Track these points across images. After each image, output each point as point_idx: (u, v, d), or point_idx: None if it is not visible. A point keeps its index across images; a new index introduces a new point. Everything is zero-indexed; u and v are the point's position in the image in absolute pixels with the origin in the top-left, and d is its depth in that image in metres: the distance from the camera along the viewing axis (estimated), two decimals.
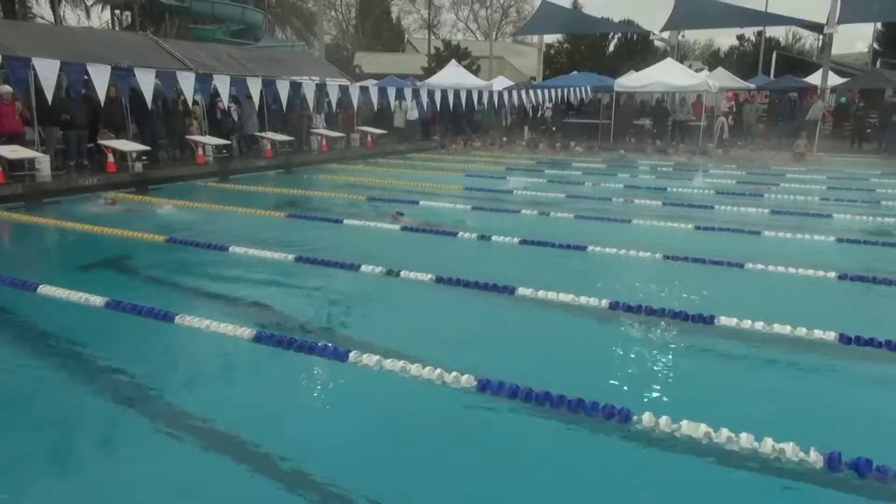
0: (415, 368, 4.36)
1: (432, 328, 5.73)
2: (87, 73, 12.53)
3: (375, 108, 20.65)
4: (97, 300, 5.75)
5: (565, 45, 42.51)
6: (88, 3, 35.27)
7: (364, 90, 19.10)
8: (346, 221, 9.65)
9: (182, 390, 4.35)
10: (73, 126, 13.27)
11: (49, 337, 5.33)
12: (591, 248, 7.97)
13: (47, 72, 11.76)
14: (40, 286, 6.15)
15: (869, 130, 22.23)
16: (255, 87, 15.93)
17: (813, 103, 22.01)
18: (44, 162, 12.06)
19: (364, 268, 6.99)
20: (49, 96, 11.92)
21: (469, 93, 22.05)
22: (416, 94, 20.96)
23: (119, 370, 4.62)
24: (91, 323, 5.61)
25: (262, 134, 17.39)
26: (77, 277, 6.96)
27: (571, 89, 24.42)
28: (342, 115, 21.29)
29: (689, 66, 30.19)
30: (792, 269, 6.98)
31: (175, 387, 4.39)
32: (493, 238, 8.49)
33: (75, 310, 5.75)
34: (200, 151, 15.17)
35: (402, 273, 6.75)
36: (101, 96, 12.76)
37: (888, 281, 6.72)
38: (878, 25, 36.40)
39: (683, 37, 39.49)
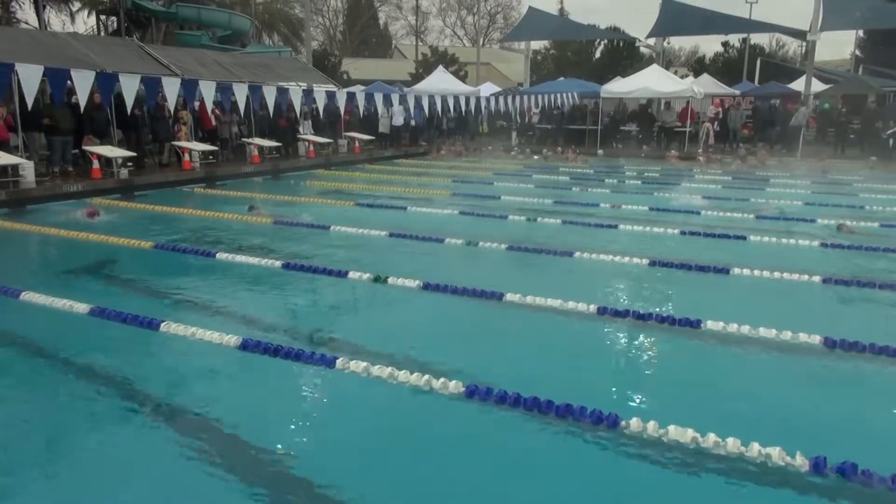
0: (402, 375, 4.35)
1: (420, 334, 5.71)
2: (71, 79, 12.45)
3: (362, 114, 20.65)
4: (81, 307, 5.70)
5: (552, 52, 42.77)
6: (73, 9, 35.05)
7: (351, 96, 19.10)
8: (332, 228, 9.62)
9: (167, 398, 4.29)
10: (58, 132, 13.16)
11: (32, 344, 5.26)
12: (577, 253, 8.00)
13: (30, 77, 11.68)
14: (23, 293, 6.09)
15: (852, 136, 22.49)
16: (241, 92, 15.89)
17: (795, 110, 22.25)
18: (28, 168, 11.96)
19: (351, 274, 6.97)
20: (29, 102, 11.81)
21: (456, 99, 22.11)
22: (402, 99, 20.98)
23: (103, 378, 4.56)
24: (75, 330, 5.54)
25: (249, 140, 17.33)
26: (61, 284, 6.87)
27: (558, 95, 24.56)
28: (337, 120, 21.20)
29: (675, 73, 30.45)
30: (777, 274, 7.03)
31: (160, 395, 4.34)
32: (481, 244, 8.49)
33: (59, 317, 5.69)
34: (187, 157, 15.11)
35: (390, 279, 6.74)
36: (83, 102, 12.67)
37: (871, 284, 6.79)
38: (861, 33, 36.94)
39: (669, 43, 39.92)
